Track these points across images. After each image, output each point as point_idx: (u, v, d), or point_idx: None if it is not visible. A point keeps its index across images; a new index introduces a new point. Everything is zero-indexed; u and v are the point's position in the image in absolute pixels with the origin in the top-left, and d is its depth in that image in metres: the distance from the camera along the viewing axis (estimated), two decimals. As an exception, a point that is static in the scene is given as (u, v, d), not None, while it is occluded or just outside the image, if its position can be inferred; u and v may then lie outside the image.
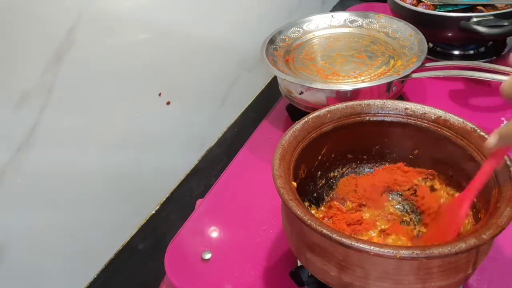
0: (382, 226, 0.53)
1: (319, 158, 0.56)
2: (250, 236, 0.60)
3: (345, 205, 0.55)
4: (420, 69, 0.72)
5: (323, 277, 0.44)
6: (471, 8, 0.87)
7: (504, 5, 0.85)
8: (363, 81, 0.72)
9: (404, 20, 0.84)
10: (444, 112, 0.52)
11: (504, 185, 0.43)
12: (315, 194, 0.56)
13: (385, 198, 0.56)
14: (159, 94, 0.76)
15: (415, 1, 0.91)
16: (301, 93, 0.73)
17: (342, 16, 0.89)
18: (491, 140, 0.41)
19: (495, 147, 0.41)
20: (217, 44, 0.86)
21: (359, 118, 0.54)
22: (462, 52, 0.92)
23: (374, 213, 0.54)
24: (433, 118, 0.52)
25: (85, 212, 0.68)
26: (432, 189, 0.55)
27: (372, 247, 0.37)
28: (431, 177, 0.56)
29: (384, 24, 0.86)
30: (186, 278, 0.56)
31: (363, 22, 0.87)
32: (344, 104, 0.54)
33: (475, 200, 0.47)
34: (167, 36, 0.74)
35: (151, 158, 0.78)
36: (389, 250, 0.36)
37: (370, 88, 0.69)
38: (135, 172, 0.75)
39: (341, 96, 0.70)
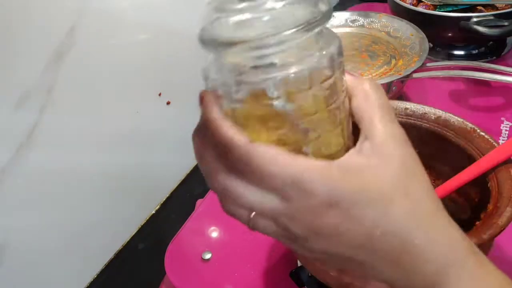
0: None
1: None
2: (250, 236, 0.60)
3: None
4: (421, 69, 0.72)
5: (323, 277, 0.44)
6: (471, 8, 0.87)
7: (504, 5, 0.85)
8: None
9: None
10: (444, 112, 0.52)
11: (504, 185, 0.43)
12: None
13: None
14: (159, 94, 0.76)
15: (415, 1, 0.91)
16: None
17: (343, 15, 0.89)
18: None
19: None
20: (217, 44, 0.86)
21: (359, 118, 0.54)
22: (462, 52, 0.92)
23: None
24: (433, 118, 0.52)
25: (85, 212, 0.68)
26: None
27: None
28: (430, 177, 0.55)
29: (385, 23, 0.86)
30: (186, 278, 0.56)
31: (364, 22, 0.87)
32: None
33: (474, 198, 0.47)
34: (167, 36, 0.74)
35: (151, 158, 0.78)
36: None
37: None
38: (135, 172, 0.75)
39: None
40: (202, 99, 0.26)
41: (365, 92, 0.28)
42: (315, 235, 0.25)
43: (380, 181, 0.25)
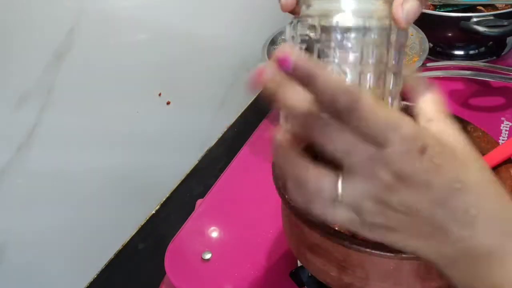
0: None
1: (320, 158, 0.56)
2: (250, 236, 0.60)
3: None
4: (421, 69, 0.72)
5: (323, 277, 0.44)
6: (471, 8, 0.87)
7: (504, 5, 0.85)
8: (363, 81, 0.72)
9: (404, 20, 0.84)
10: (444, 112, 0.52)
11: (504, 185, 0.43)
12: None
13: None
14: (159, 94, 0.76)
15: (415, 1, 0.91)
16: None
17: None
18: None
19: None
20: (217, 44, 0.86)
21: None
22: (462, 52, 0.92)
23: None
24: (433, 118, 0.52)
25: (85, 212, 0.68)
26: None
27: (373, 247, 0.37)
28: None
29: (384, 23, 0.85)
30: (186, 278, 0.56)
31: (364, 22, 0.87)
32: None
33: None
34: (167, 36, 0.74)
35: (151, 158, 0.78)
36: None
37: (370, 88, 0.69)
38: (135, 172, 0.75)
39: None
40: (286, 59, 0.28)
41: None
42: (404, 183, 0.26)
43: (454, 141, 0.29)
